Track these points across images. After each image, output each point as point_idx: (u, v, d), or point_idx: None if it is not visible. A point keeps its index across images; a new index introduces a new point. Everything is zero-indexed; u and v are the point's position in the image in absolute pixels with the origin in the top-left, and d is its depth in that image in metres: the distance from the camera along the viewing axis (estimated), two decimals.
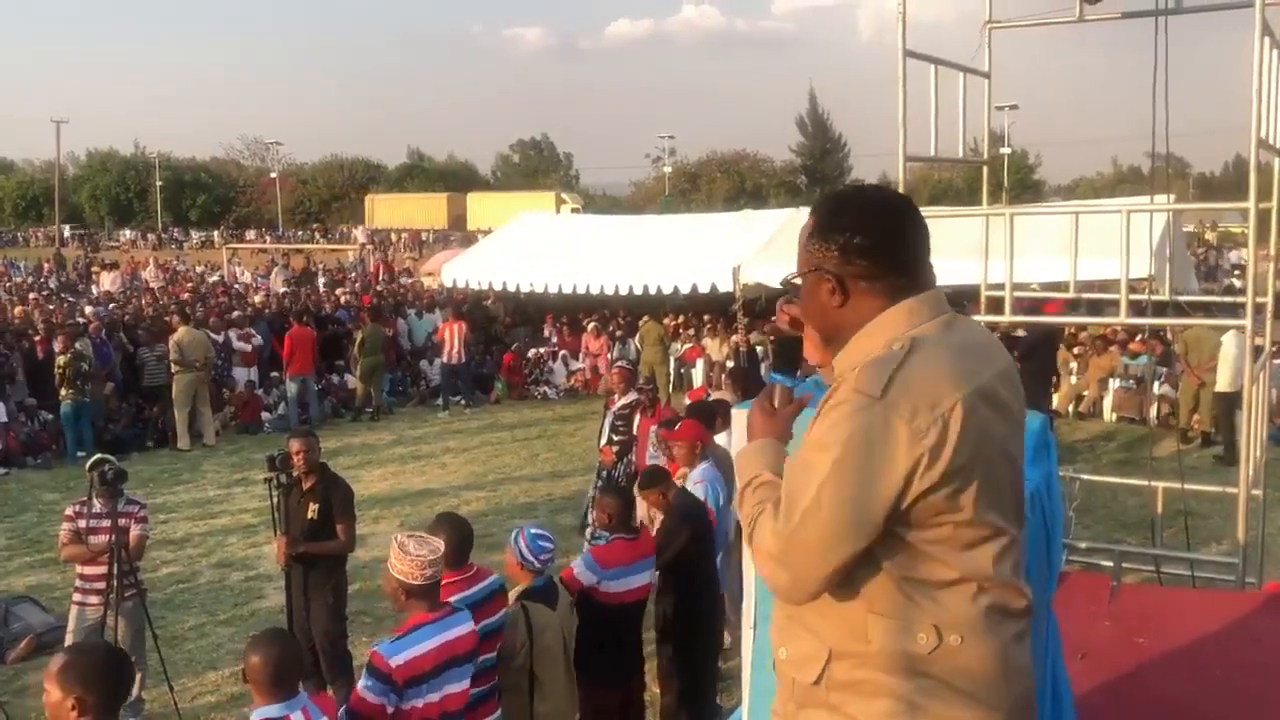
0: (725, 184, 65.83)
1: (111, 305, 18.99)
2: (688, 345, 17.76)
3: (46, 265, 37.92)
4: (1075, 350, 15.17)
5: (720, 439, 6.50)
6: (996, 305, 5.37)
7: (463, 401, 16.09)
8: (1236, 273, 26.27)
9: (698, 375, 16.87)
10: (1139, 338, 14.11)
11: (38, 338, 14.07)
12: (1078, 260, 5.05)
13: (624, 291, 16.72)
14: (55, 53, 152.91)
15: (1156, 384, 13.65)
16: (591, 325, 17.78)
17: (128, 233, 67.18)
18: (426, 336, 18.10)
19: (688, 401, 10.45)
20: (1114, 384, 14.31)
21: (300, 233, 67.09)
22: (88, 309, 17.10)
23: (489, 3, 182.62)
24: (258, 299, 20.32)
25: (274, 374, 15.37)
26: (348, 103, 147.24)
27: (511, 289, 18.53)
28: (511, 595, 4.51)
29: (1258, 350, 5.40)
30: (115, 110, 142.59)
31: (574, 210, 49.22)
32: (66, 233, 61.66)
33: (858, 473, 1.69)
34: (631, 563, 4.96)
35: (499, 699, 4.36)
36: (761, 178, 68.01)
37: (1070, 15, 5.48)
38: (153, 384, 13.81)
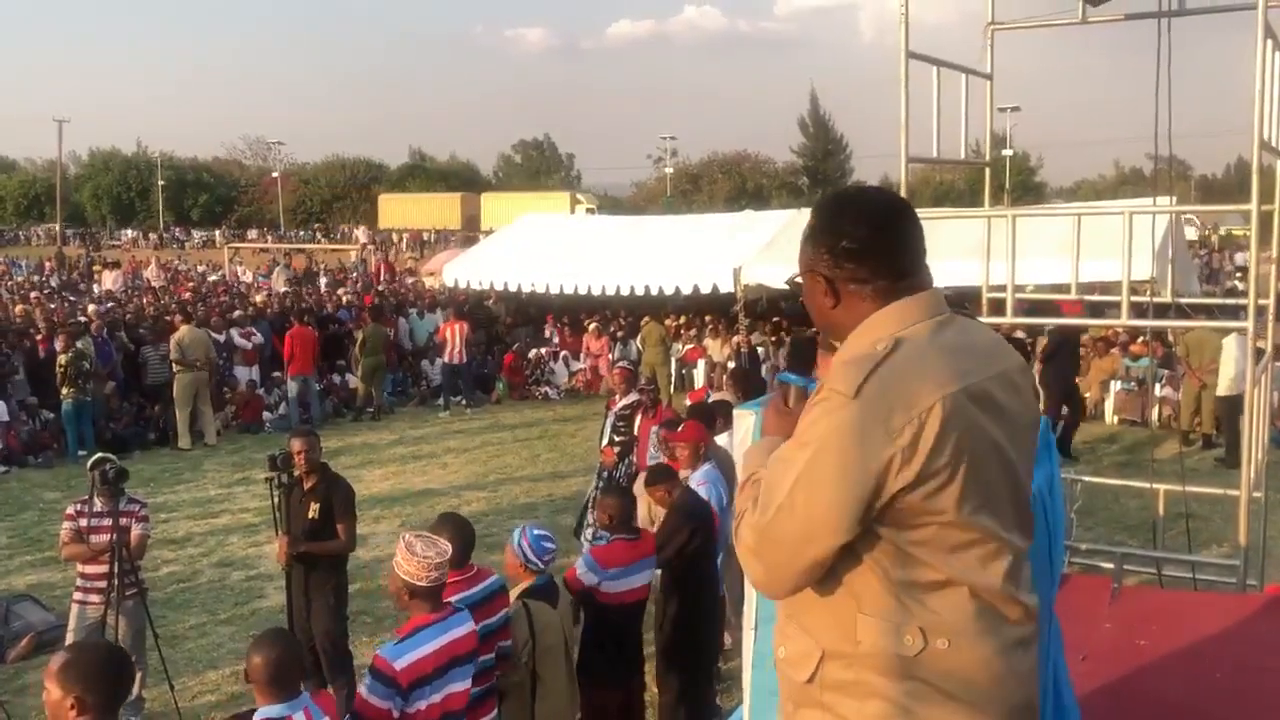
0: (727, 185, 65.80)
1: (111, 304, 18.99)
2: (689, 346, 17.77)
3: (48, 264, 37.96)
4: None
5: (721, 439, 6.50)
6: (998, 307, 5.37)
7: (464, 401, 16.09)
8: (1238, 275, 26.27)
9: (699, 376, 16.89)
10: (1140, 340, 14.11)
11: (39, 336, 14.09)
12: (1079, 262, 5.05)
13: (625, 292, 16.72)
14: (57, 52, 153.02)
15: (1158, 386, 13.64)
16: (593, 326, 17.79)
17: (129, 232, 67.21)
18: (428, 336, 18.11)
19: (688, 402, 10.45)
20: (1115, 386, 14.31)
21: (302, 232, 67.14)
22: (90, 308, 17.11)
23: (491, 3, 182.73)
24: (259, 299, 20.34)
25: (275, 373, 15.39)
26: (349, 103, 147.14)
27: (513, 289, 18.54)
28: (513, 594, 4.51)
29: (1259, 353, 5.40)
30: (117, 109, 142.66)
31: (589, 210, 49.07)
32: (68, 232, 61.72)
33: (830, 470, 1.69)
34: (631, 563, 4.96)
35: (497, 699, 4.36)
36: (763, 179, 67.97)
37: (1073, 17, 5.49)
38: (156, 382, 13.85)
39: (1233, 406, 10.75)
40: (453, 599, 3.98)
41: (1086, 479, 6.65)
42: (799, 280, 1.96)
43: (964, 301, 8.04)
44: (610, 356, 16.57)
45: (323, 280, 28.54)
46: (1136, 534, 8.42)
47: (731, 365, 14.93)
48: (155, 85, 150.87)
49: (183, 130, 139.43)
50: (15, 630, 7.07)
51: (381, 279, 27.96)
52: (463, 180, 74.48)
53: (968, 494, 1.71)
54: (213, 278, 31.13)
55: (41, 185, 73.23)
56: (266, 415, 14.84)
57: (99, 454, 6.19)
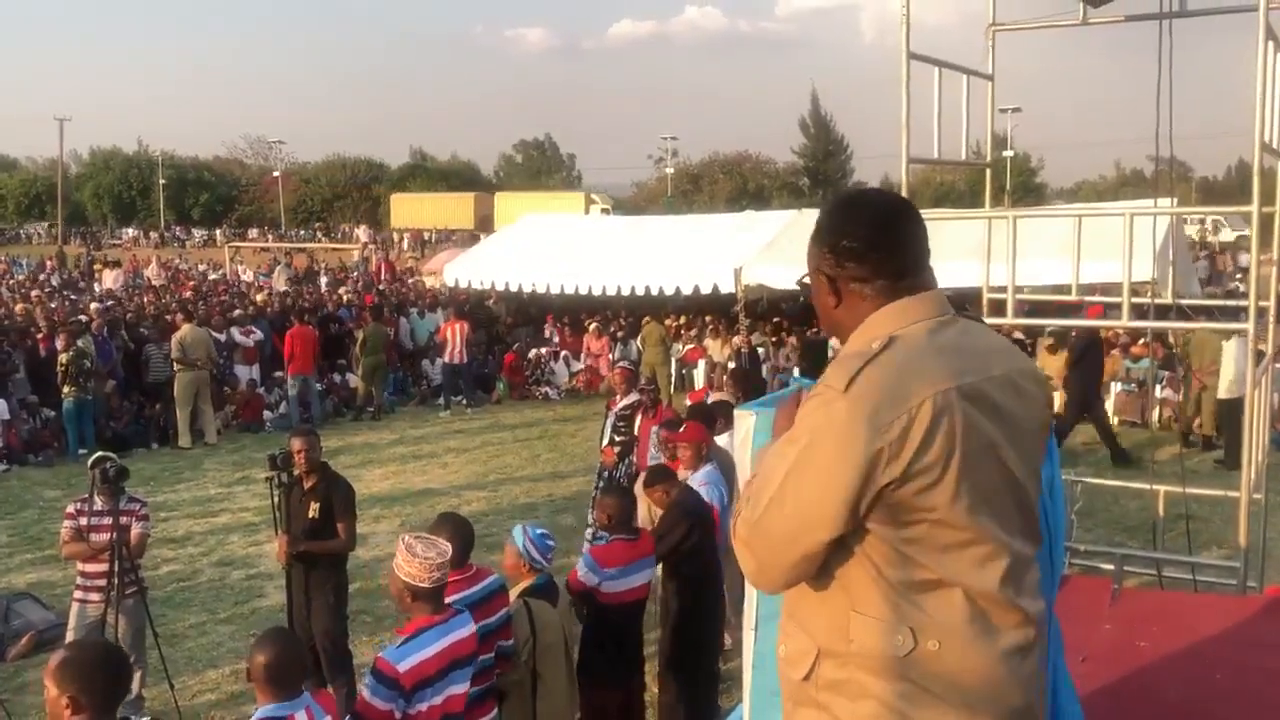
0: (728, 185, 65.74)
1: (112, 303, 19.01)
2: (689, 346, 17.77)
3: (49, 263, 37.98)
4: None
5: (721, 439, 6.50)
6: (998, 308, 5.37)
7: (464, 401, 16.10)
8: (1239, 276, 26.25)
9: (699, 376, 16.89)
10: (1141, 341, 14.10)
11: (40, 335, 14.12)
12: (1080, 263, 5.04)
13: (626, 292, 16.71)
14: (58, 51, 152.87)
15: (1158, 387, 13.64)
16: (593, 326, 17.80)
17: (130, 231, 67.22)
18: (428, 336, 18.12)
19: (689, 403, 10.45)
20: (1116, 387, 14.30)
21: (302, 232, 67.10)
22: (91, 306, 17.12)
23: (491, 3, 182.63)
24: (260, 298, 20.35)
25: (276, 373, 15.40)
26: (350, 102, 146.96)
27: (513, 289, 18.54)
28: (513, 593, 4.52)
29: (1259, 355, 5.40)
30: (118, 108, 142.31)
31: (604, 211, 48.88)
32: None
33: (819, 464, 1.69)
34: (630, 563, 4.97)
35: (497, 698, 4.36)
36: (764, 179, 67.88)
37: (1074, 18, 5.48)
38: (158, 380, 13.88)
39: (1233, 409, 10.75)
40: (452, 599, 3.98)
41: (1087, 480, 6.64)
42: (806, 281, 1.97)
43: (965, 303, 8.04)
44: (610, 357, 16.59)
45: (323, 279, 28.54)
46: (1137, 535, 8.42)
47: (732, 365, 14.93)
48: (156, 84, 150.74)
49: (184, 129, 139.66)
50: (15, 628, 7.08)
51: (382, 278, 27.97)
52: (464, 180, 74.36)
53: (960, 492, 1.70)
54: (213, 277, 31.16)
55: (42, 184, 73.16)
56: (267, 414, 14.85)
57: (99, 453, 6.20)
